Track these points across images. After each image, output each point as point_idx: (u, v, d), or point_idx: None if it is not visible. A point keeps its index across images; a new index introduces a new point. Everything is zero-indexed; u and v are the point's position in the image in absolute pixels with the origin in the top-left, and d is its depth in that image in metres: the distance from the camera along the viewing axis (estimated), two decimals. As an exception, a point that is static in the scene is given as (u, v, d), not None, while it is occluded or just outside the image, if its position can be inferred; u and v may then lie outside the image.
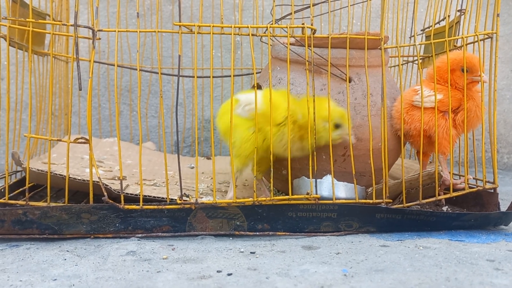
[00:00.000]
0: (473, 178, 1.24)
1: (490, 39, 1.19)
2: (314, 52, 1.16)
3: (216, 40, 1.88)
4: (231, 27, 1.05)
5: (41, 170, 1.17)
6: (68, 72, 1.61)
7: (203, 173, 1.50)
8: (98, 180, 1.05)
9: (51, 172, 1.10)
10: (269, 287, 0.83)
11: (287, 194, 1.15)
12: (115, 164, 1.49)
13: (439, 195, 1.16)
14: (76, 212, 1.06)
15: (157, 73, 1.71)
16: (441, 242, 1.06)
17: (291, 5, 1.12)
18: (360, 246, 1.03)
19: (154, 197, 1.13)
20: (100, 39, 1.08)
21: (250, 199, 1.08)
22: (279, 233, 1.10)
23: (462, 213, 1.15)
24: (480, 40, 1.18)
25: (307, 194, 1.10)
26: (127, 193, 1.12)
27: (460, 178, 1.24)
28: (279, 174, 1.25)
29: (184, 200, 1.07)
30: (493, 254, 0.98)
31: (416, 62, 1.53)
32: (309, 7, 1.19)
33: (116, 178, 1.32)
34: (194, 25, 1.05)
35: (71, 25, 1.03)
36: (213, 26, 1.05)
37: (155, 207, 1.07)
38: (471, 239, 1.09)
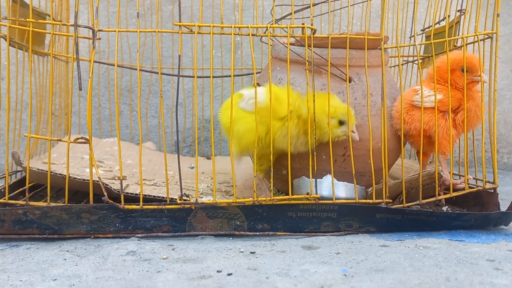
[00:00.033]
0: (473, 178, 1.24)
1: (490, 39, 1.19)
2: (314, 52, 1.16)
3: (216, 40, 1.88)
4: (231, 27, 1.05)
5: (41, 170, 1.17)
6: (68, 72, 1.61)
7: (203, 173, 1.50)
8: (98, 180, 1.05)
9: (51, 172, 1.10)
10: (269, 287, 0.83)
11: (287, 194, 1.15)
12: (115, 164, 1.49)
13: (439, 195, 1.16)
14: (76, 212, 1.06)
15: (157, 73, 1.71)
16: (441, 242, 1.06)
17: (291, 5, 1.12)
18: (360, 246, 1.03)
19: (154, 196, 1.13)
20: (100, 39, 1.08)
21: (250, 199, 1.08)
22: (279, 233, 1.10)
23: (462, 213, 1.15)
24: (480, 40, 1.18)
25: (307, 194, 1.10)
26: (127, 193, 1.12)
27: (460, 178, 1.24)
28: (279, 174, 1.25)
29: (184, 200, 1.07)
30: (493, 254, 0.98)
31: (416, 62, 1.53)
32: (309, 7, 1.19)
33: (116, 178, 1.32)
34: (194, 25, 1.05)
35: (71, 25, 1.03)
36: (213, 26, 1.05)
37: (155, 207, 1.07)
38: (471, 239, 1.09)
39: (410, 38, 1.63)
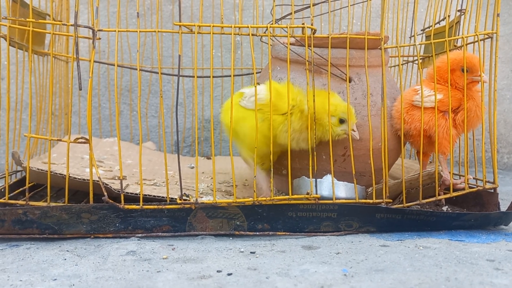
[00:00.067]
0: (473, 178, 1.24)
1: (490, 39, 1.19)
2: (314, 52, 1.16)
3: (216, 40, 1.88)
4: (231, 27, 1.05)
5: (41, 170, 1.17)
6: (68, 72, 1.61)
7: (203, 173, 1.50)
8: (98, 179, 1.05)
9: (51, 172, 1.10)
10: (269, 287, 0.83)
11: (287, 194, 1.15)
12: (115, 164, 1.49)
13: (439, 195, 1.16)
14: (76, 212, 1.06)
15: (157, 73, 1.71)
16: (441, 242, 1.06)
17: (291, 5, 1.12)
18: (360, 246, 1.03)
19: (154, 196, 1.13)
20: (100, 39, 1.08)
21: (250, 199, 1.08)
22: (279, 233, 1.10)
23: (462, 213, 1.15)
24: (480, 40, 1.18)
25: (307, 194, 1.10)
26: (127, 193, 1.12)
27: (460, 178, 1.24)
28: (279, 174, 1.25)
29: (184, 200, 1.07)
30: (493, 254, 0.98)
31: (416, 62, 1.53)
32: (309, 7, 1.19)
33: (116, 178, 1.32)
34: (194, 25, 1.05)
35: (71, 25, 1.03)
36: (213, 26, 1.05)
37: (155, 207, 1.07)
38: (471, 239, 1.09)
39: (410, 38, 1.63)
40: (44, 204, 1.08)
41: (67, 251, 1.00)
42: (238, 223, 1.09)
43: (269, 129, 1.10)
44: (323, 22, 1.86)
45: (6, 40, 1.09)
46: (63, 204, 1.07)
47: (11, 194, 1.15)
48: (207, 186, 1.34)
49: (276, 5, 1.25)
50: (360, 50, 1.18)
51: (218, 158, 1.74)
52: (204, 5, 1.88)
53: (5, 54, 1.61)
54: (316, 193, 1.10)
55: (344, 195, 1.13)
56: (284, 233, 1.10)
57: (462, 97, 1.18)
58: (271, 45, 1.27)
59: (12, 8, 1.14)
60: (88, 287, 0.83)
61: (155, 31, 1.05)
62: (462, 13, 1.29)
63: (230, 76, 1.58)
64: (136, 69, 1.59)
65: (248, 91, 1.16)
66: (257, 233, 1.09)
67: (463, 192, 1.19)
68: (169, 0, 1.89)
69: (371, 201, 1.12)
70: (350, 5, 1.19)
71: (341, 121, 1.13)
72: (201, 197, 1.20)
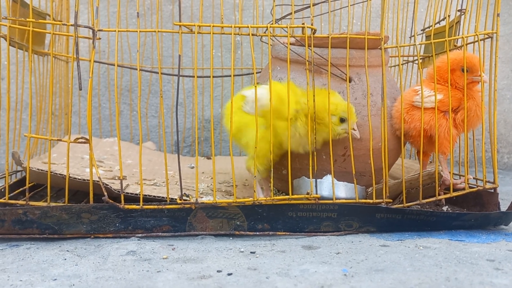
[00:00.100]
0: (473, 178, 1.24)
1: (490, 39, 1.19)
2: (314, 52, 1.16)
3: (216, 40, 1.88)
4: (231, 27, 1.05)
5: (41, 170, 1.17)
6: (68, 71, 1.61)
7: (203, 173, 1.50)
8: (98, 179, 1.05)
9: (51, 172, 1.10)
10: (269, 287, 0.83)
11: (287, 194, 1.15)
12: (115, 164, 1.49)
13: (439, 195, 1.16)
14: (76, 212, 1.06)
15: (157, 73, 1.71)
16: (441, 242, 1.06)
17: (291, 5, 1.12)
18: (360, 246, 1.03)
19: (154, 196, 1.13)
20: (100, 39, 1.08)
21: (250, 199, 1.08)
22: (279, 233, 1.10)
23: (462, 213, 1.15)
24: (480, 40, 1.18)
25: (307, 194, 1.10)
26: (127, 193, 1.12)
27: (460, 178, 1.24)
28: (279, 174, 1.25)
29: (184, 200, 1.07)
30: (493, 254, 0.98)
31: (416, 62, 1.53)
32: (309, 7, 1.19)
33: (116, 178, 1.32)
34: (194, 25, 1.05)
35: (71, 25, 1.03)
36: (213, 26, 1.05)
37: (155, 207, 1.07)
38: (471, 239, 1.09)
39: (410, 38, 1.62)
40: (44, 204, 1.08)
41: (67, 251, 1.00)
42: (238, 223, 1.09)
43: (274, 136, 1.10)
44: (323, 22, 1.86)
45: (6, 40, 1.09)
46: (63, 204, 1.07)
47: (11, 194, 1.15)
48: (207, 186, 1.34)
49: (276, 5, 1.25)
50: (360, 50, 1.18)
51: (218, 158, 1.74)
52: (204, 5, 1.88)
53: (5, 54, 1.61)
54: (316, 193, 1.10)
55: (344, 195, 1.13)
56: (284, 233, 1.10)
57: (462, 97, 1.18)
58: (271, 45, 1.27)
59: (12, 8, 1.14)
60: (88, 287, 0.83)
61: (155, 31, 1.05)
62: (462, 13, 1.29)
63: (230, 76, 1.58)
64: (136, 69, 1.59)
65: (251, 95, 1.13)
66: (257, 233, 1.09)
67: (463, 192, 1.19)
68: (169, 0, 1.89)
69: (371, 201, 1.12)
70: (350, 5, 1.19)
71: (342, 120, 1.12)
72: (201, 197, 1.20)
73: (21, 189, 1.20)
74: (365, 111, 1.18)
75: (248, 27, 1.07)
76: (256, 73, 1.14)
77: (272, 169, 1.09)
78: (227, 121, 1.19)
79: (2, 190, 1.14)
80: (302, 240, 1.08)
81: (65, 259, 0.96)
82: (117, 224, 1.07)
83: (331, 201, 1.10)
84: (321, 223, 1.11)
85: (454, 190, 1.18)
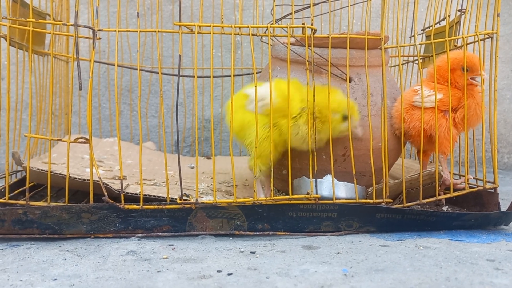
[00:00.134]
0: (473, 178, 1.24)
1: (490, 39, 1.19)
2: (314, 52, 1.16)
3: (217, 40, 1.88)
4: (231, 27, 1.05)
5: (42, 170, 1.17)
6: (68, 71, 1.61)
7: (203, 172, 1.50)
8: (98, 179, 1.05)
9: (51, 172, 1.10)
10: (269, 287, 0.83)
11: (287, 194, 1.15)
12: (115, 164, 1.49)
13: (439, 195, 1.16)
14: (76, 211, 1.06)
15: (158, 73, 1.71)
16: (441, 242, 1.06)
17: (291, 5, 1.12)
18: (360, 246, 1.03)
19: (154, 196, 1.13)
20: (100, 39, 1.08)
21: (250, 199, 1.08)
22: (279, 233, 1.10)
23: (462, 213, 1.15)
24: (481, 40, 1.18)
25: (307, 194, 1.10)
26: (127, 193, 1.12)
27: (460, 178, 1.24)
28: (279, 174, 1.25)
29: (184, 200, 1.07)
30: (493, 254, 0.98)
31: (417, 62, 1.53)
32: (309, 7, 1.19)
33: (116, 178, 1.32)
34: (195, 25, 1.05)
35: (72, 25, 1.03)
36: (213, 26, 1.05)
37: (155, 206, 1.07)
38: (471, 239, 1.09)
39: (410, 38, 1.63)
40: (44, 204, 1.08)
41: (67, 251, 1.00)
42: (238, 223, 1.09)
43: (279, 135, 1.10)
44: (323, 22, 1.86)
45: (6, 40, 1.09)
46: (63, 204, 1.07)
47: (11, 194, 1.15)
48: (207, 186, 1.34)
49: (276, 5, 1.25)
50: (360, 50, 1.18)
51: (218, 158, 1.74)
52: (204, 5, 1.88)
53: (5, 54, 1.61)
54: (316, 193, 1.10)
55: (344, 195, 1.13)
56: (284, 233, 1.10)
57: (462, 96, 1.18)
58: (271, 45, 1.27)
59: (12, 8, 1.14)
60: (88, 287, 0.83)
61: (155, 31, 1.05)
62: (462, 13, 1.29)
63: (230, 76, 1.58)
64: (136, 69, 1.59)
65: (254, 94, 1.11)
66: (257, 233, 1.09)
67: (463, 192, 1.19)
68: (169, 0, 1.89)
69: (371, 201, 1.12)
70: (350, 5, 1.18)
71: (345, 117, 1.12)
72: (201, 197, 1.20)
73: (21, 189, 1.20)
74: (365, 111, 1.18)
75: (248, 27, 1.07)
76: (256, 73, 1.14)
77: (272, 169, 1.09)
78: (229, 119, 1.18)
79: (2, 190, 1.14)
80: (302, 240, 1.08)
81: (65, 259, 0.96)
82: (117, 224, 1.07)
83: (331, 201, 1.10)
84: (321, 223, 1.11)
85: (454, 190, 1.18)
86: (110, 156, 1.57)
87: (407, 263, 0.93)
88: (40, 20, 1.12)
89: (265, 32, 1.10)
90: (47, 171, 1.10)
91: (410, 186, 1.16)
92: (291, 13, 1.17)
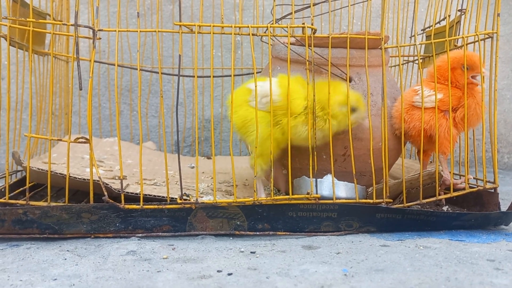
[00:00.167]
0: (474, 178, 1.24)
1: (490, 38, 1.19)
2: (314, 51, 1.15)
3: (217, 40, 1.88)
4: (231, 26, 1.05)
5: (42, 170, 1.17)
6: (68, 71, 1.61)
7: (203, 172, 1.50)
8: (98, 179, 1.05)
9: (51, 172, 1.10)
10: (269, 287, 0.83)
11: (288, 194, 1.15)
12: (115, 164, 1.49)
13: (439, 195, 1.16)
14: (77, 211, 1.06)
15: (158, 72, 1.71)
16: (442, 242, 1.06)
17: (292, 4, 1.12)
18: (360, 246, 1.03)
19: (154, 196, 1.13)
20: (100, 38, 1.08)
21: (251, 199, 1.08)
22: (280, 232, 1.10)
23: (463, 213, 1.15)
24: (481, 40, 1.18)
25: (308, 193, 1.10)
26: (127, 193, 1.12)
27: (460, 178, 1.24)
28: (279, 173, 1.25)
29: (184, 200, 1.07)
30: (493, 254, 0.98)
31: (417, 62, 1.53)
32: (309, 6, 1.18)
33: (117, 178, 1.32)
34: (195, 25, 1.05)
35: (72, 25, 1.03)
36: (213, 26, 1.05)
37: (156, 206, 1.07)
38: (471, 239, 1.09)
39: (410, 37, 1.63)
40: (45, 204, 1.08)
41: (67, 251, 1.00)
42: (238, 223, 1.09)
43: (283, 133, 1.10)
44: (323, 22, 1.86)
45: (6, 40, 1.09)
46: (63, 204, 1.07)
47: (11, 194, 1.15)
48: (207, 186, 1.34)
49: (276, 5, 1.25)
50: (361, 49, 1.18)
51: (218, 158, 1.74)
52: (204, 5, 1.88)
53: (5, 54, 1.60)
54: (317, 193, 1.10)
55: (344, 195, 1.13)
56: (284, 233, 1.10)
57: (462, 95, 1.18)
58: (271, 45, 1.27)
59: (12, 8, 1.14)
60: (88, 287, 0.83)
61: (155, 31, 1.05)
62: (462, 13, 1.29)
63: (230, 76, 1.58)
64: (136, 69, 1.59)
65: (259, 89, 1.09)
66: (257, 233, 1.09)
67: (464, 192, 1.19)
68: (169, 0, 1.89)
69: (371, 201, 1.12)
70: (350, 5, 1.18)
71: (353, 109, 1.12)
72: (201, 197, 1.20)
73: (21, 189, 1.20)
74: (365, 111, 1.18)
75: (248, 27, 1.06)
76: (257, 73, 1.14)
77: (272, 169, 1.09)
78: (234, 115, 1.15)
79: (2, 190, 1.14)
80: (302, 240, 1.08)
81: (65, 259, 0.96)
82: (117, 224, 1.07)
83: (331, 201, 1.10)
84: (321, 223, 1.11)
85: (455, 190, 1.18)
86: (110, 156, 1.57)
87: (407, 263, 0.93)
88: (40, 20, 1.12)
89: (265, 32, 1.10)
90: (47, 171, 1.10)
91: (410, 186, 1.16)
92: (291, 13, 1.17)
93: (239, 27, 1.06)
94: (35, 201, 1.11)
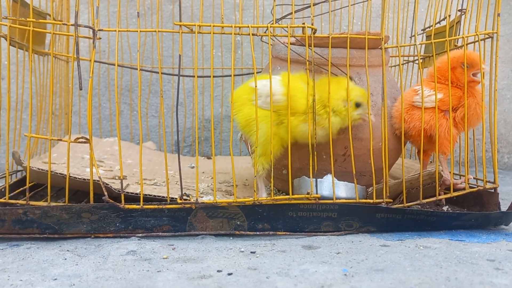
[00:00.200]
0: (474, 178, 1.24)
1: (490, 38, 1.19)
2: (314, 51, 1.15)
3: (217, 40, 1.88)
4: (231, 26, 1.05)
5: (42, 170, 1.17)
6: (68, 71, 1.61)
7: (203, 172, 1.50)
8: (98, 179, 1.05)
9: (51, 172, 1.10)
10: (269, 286, 0.83)
11: (288, 194, 1.15)
12: (115, 164, 1.49)
13: (439, 195, 1.16)
14: (77, 211, 1.06)
15: (158, 72, 1.70)
16: (442, 241, 1.06)
17: (292, 4, 1.12)
18: (360, 246, 1.03)
19: (154, 196, 1.13)
20: (100, 38, 1.08)
21: (251, 198, 1.08)
22: (280, 232, 1.10)
23: (463, 213, 1.15)
24: (481, 40, 1.18)
25: (308, 193, 1.10)
26: (127, 193, 1.12)
27: (460, 178, 1.24)
28: (279, 173, 1.25)
29: (184, 200, 1.07)
30: (493, 254, 0.98)
31: (417, 61, 1.53)
32: (309, 6, 1.19)
33: (117, 178, 1.32)
34: (195, 25, 1.05)
35: (72, 25, 1.03)
36: (213, 26, 1.05)
37: (156, 206, 1.07)
38: (471, 239, 1.09)
39: (410, 37, 1.63)
40: (45, 203, 1.08)
41: (68, 250, 1.00)
42: (238, 222, 1.09)
43: (287, 132, 1.09)
44: (324, 22, 1.86)
45: (6, 40, 1.09)
46: (63, 204, 1.07)
47: (12, 194, 1.15)
48: (208, 186, 1.34)
49: (276, 5, 1.25)
50: (361, 49, 1.18)
51: (218, 158, 1.74)
52: (204, 5, 1.88)
53: (5, 54, 1.60)
54: (317, 193, 1.10)
55: (344, 195, 1.13)
56: (284, 233, 1.10)
57: (462, 95, 1.18)
58: (271, 45, 1.27)
59: (12, 8, 1.14)
60: (88, 287, 0.83)
61: (155, 31, 1.05)
62: (462, 13, 1.29)
63: (230, 76, 1.58)
64: (137, 69, 1.59)
65: (262, 88, 1.08)
66: (258, 232, 1.09)
67: (464, 192, 1.19)
68: (169, 0, 1.89)
69: (371, 201, 1.12)
70: (351, 5, 1.18)
71: (357, 105, 1.12)
72: (202, 197, 1.20)
73: (21, 188, 1.20)
74: (365, 111, 1.18)
75: (248, 27, 1.06)
76: (257, 73, 1.14)
77: (272, 169, 1.09)
78: (238, 113, 1.14)
79: (2, 190, 1.14)
80: (302, 240, 1.08)
81: (65, 258, 0.96)
82: (118, 224, 1.07)
83: (331, 201, 1.10)
84: (321, 223, 1.11)
85: (455, 190, 1.18)
86: (110, 156, 1.57)
87: (407, 263, 0.93)
88: (40, 20, 1.12)
89: (265, 32, 1.10)
90: (47, 170, 1.10)
91: (410, 186, 1.16)
92: (291, 13, 1.17)
93: (239, 27, 1.06)
94: (35, 201, 1.11)
